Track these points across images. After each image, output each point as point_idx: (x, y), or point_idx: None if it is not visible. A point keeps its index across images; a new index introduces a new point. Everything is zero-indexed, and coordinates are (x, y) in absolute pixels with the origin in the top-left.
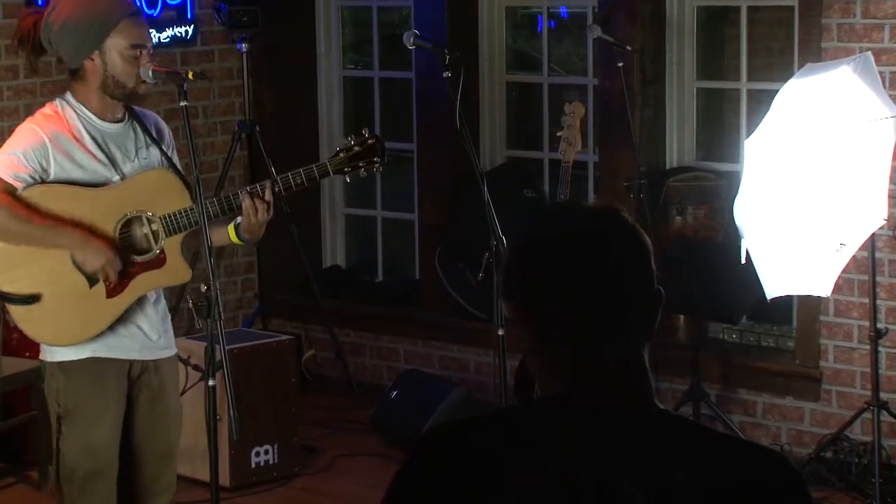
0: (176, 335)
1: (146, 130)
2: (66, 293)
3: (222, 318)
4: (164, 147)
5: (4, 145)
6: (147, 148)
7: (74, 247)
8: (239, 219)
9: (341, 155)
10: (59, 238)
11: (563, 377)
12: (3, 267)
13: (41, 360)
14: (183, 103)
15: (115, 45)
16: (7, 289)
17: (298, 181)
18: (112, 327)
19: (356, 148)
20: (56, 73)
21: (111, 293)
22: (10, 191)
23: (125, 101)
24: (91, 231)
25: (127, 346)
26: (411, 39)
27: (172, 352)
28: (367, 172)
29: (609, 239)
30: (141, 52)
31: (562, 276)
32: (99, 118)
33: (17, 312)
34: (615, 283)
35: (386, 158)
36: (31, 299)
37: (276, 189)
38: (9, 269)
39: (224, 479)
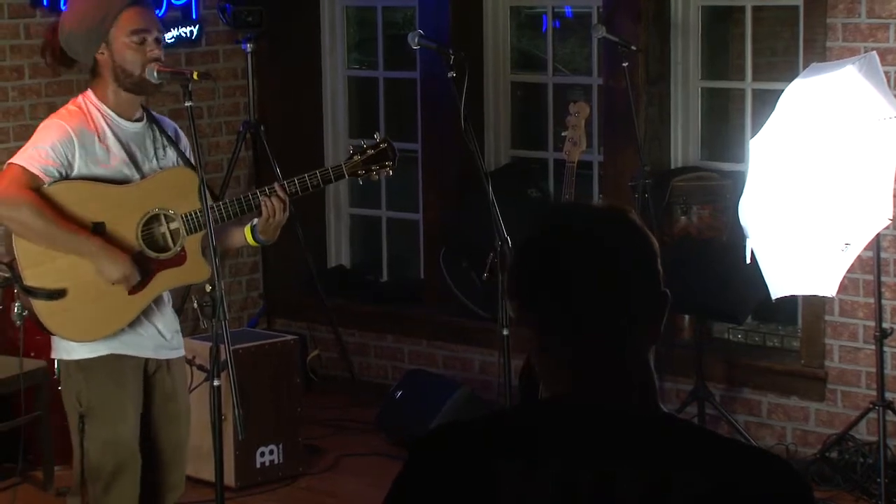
0: (182, 335)
1: (164, 132)
2: (89, 289)
3: (227, 318)
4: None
5: (32, 138)
6: (164, 149)
7: (93, 257)
8: (255, 221)
9: (356, 158)
10: (79, 246)
11: (565, 378)
12: (29, 262)
13: (55, 360)
14: (188, 103)
15: (118, 34)
16: (33, 283)
17: (315, 182)
18: (130, 325)
19: (370, 151)
20: (63, 74)
21: (132, 290)
22: (37, 185)
23: (137, 93)
24: (110, 240)
25: (143, 344)
26: (416, 39)
27: (182, 352)
28: (378, 176)
29: (614, 240)
30: (145, 39)
31: (565, 277)
32: (119, 116)
33: (41, 307)
34: (619, 284)
35: (396, 162)
36: (56, 294)
37: (293, 190)
38: (34, 264)
39: (229, 478)
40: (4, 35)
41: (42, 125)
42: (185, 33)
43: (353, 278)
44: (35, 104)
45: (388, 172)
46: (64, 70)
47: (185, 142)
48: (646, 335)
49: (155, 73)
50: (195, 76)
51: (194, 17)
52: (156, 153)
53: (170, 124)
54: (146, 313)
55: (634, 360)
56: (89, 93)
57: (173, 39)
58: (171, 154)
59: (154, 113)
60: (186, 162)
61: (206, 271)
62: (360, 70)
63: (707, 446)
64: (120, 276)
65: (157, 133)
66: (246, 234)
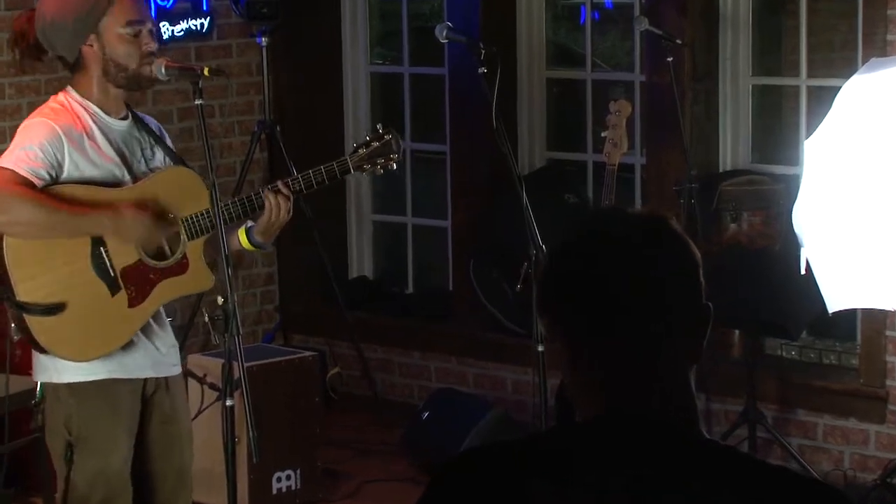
0: (191, 351)
1: (149, 130)
2: (88, 303)
3: (240, 332)
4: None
5: (16, 140)
6: (152, 149)
7: (108, 227)
8: (250, 222)
9: (361, 151)
10: (90, 223)
11: (599, 399)
12: (23, 276)
13: (37, 382)
14: (198, 102)
15: (111, 26)
16: (27, 298)
17: (319, 179)
18: (126, 344)
19: (374, 144)
20: (62, 70)
21: (133, 302)
22: (28, 186)
23: (131, 88)
24: (115, 202)
25: (141, 363)
26: (444, 32)
27: (180, 368)
28: (383, 170)
29: (653, 247)
30: (140, 31)
31: (599, 283)
32: (105, 114)
33: (35, 324)
34: (656, 291)
35: (401, 155)
36: (53, 310)
37: (297, 187)
38: (28, 277)
39: None
40: (0, 27)
41: (26, 125)
42: (195, 26)
43: (376, 290)
44: (34, 102)
45: (392, 165)
46: (32, 65)
47: (168, 140)
48: (686, 351)
49: (163, 70)
50: (206, 72)
51: (205, 8)
52: (143, 153)
53: (153, 122)
54: (142, 329)
55: (672, 376)
56: (70, 90)
57: (182, 33)
58: (159, 154)
59: (136, 111)
60: (176, 159)
61: (210, 279)
62: (384, 65)
63: (755, 475)
64: (143, 231)
65: (144, 132)
66: (240, 237)
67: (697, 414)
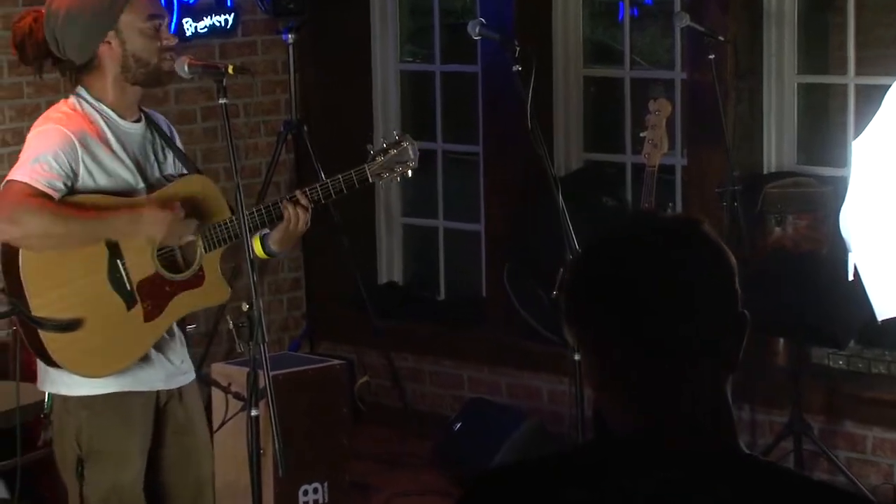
0: (215, 359)
1: (161, 132)
2: (104, 318)
3: (266, 340)
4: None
5: (27, 149)
6: (164, 152)
7: (125, 229)
8: (265, 230)
9: (379, 159)
10: (106, 227)
11: (630, 412)
12: (38, 290)
13: (47, 392)
14: (222, 101)
15: (131, 21)
16: (42, 313)
17: (337, 188)
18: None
19: (392, 151)
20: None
21: (149, 316)
22: (45, 199)
23: (150, 84)
24: (135, 204)
25: (154, 376)
26: (477, 29)
27: (193, 376)
28: (400, 177)
29: (683, 252)
30: (160, 25)
31: (628, 291)
32: (119, 117)
33: (50, 340)
34: (686, 300)
35: (416, 161)
36: (70, 326)
37: (316, 197)
38: (43, 292)
39: None
40: None
41: (36, 132)
42: (220, 23)
43: (406, 296)
44: (52, 101)
45: (408, 173)
46: (42, 65)
47: (178, 140)
48: (721, 360)
49: (186, 68)
50: (230, 70)
51: (229, 4)
52: (156, 157)
53: (163, 121)
54: (155, 343)
55: (701, 380)
56: (82, 91)
57: (206, 29)
58: (170, 156)
59: (146, 110)
60: (189, 165)
61: (227, 292)
62: (414, 63)
63: (792, 487)
64: (165, 228)
65: (156, 133)
66: (255, 245)
67: (733, 424)
